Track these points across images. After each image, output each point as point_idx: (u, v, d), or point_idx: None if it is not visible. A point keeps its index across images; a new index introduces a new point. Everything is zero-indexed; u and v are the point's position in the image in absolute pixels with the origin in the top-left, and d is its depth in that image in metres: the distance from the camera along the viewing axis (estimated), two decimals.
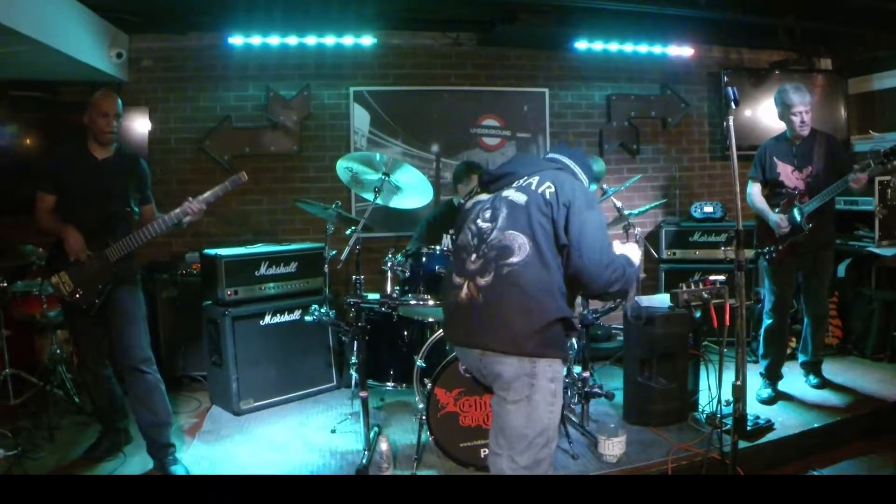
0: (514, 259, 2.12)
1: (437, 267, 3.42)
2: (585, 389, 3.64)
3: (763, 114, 5.64)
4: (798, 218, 3.85)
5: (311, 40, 5.02)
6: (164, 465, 3.25)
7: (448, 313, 2.33)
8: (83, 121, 3.18)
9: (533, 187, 2.24)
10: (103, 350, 3.34)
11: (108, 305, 3.18)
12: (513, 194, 2.27)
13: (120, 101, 3.22)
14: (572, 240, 2.13)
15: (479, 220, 2.28)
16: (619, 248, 2.34)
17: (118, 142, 3.30)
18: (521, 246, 2.13)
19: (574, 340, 3.65)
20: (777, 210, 3.95)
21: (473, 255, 2.22)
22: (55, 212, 3.17)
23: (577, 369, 3.76)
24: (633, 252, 2.36)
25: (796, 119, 3.84)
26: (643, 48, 5.50)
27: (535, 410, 2.10)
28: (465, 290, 2.19)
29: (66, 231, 3.06)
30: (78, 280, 3.09)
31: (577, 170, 2.42)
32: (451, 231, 3.78)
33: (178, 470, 3.24)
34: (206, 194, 3.22)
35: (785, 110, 3.89)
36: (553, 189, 2.19)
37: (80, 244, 3.06)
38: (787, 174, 3.95)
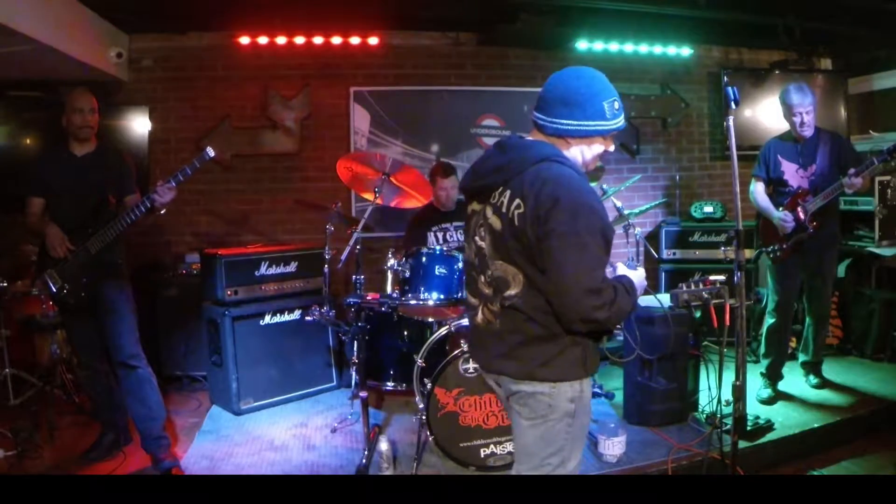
0: (512, 291, 1.92)
1: (437, 267, 3.42)
2: None
3: (763, 114, 5.64)
4: (802, 216, 3.85)
5: (311, 40, 5.01)
6: (156, 455, 3.29)
7: (471, 332, 2.21)
8: (62, 123, 3.23)
9: (504, 208, 1.91)
10: (99, 345, 3.36)
11: (96, 302, 3.22)
12: (491, 216, 1.97)
13: (94, 98, 3.24)
14: (543, 257, 1.83)
15: (477, 238, 2.04)
16: (622, 270, 2.03)
17: (100, 137, 3.33)
18: (514, 276, 1.91)
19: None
20: (781, 209, 3.95)
21: (482, 278, 2.02)
22: (45, 213, 3.23)
23: None
24: (637, 277, 2.01)
25: (797, 120, 3.84)
26: (643, 48, 5.49)
27: (550, 431, 1.95)
28: (480, 314, 2.06)
29: (46, 229, 3.13)
30: (64, 275, 3.15)
31: (574, 136, 2.04)
32: (433, 228, 4.03)
33: (167, 458, 3.29)
34: (175, 175, 3.15)
35: (787, 111, 3.90)
36: (522, 208, 1.85)
37: (59, 239, 3.11)
38: (792, 173, 3.94)
